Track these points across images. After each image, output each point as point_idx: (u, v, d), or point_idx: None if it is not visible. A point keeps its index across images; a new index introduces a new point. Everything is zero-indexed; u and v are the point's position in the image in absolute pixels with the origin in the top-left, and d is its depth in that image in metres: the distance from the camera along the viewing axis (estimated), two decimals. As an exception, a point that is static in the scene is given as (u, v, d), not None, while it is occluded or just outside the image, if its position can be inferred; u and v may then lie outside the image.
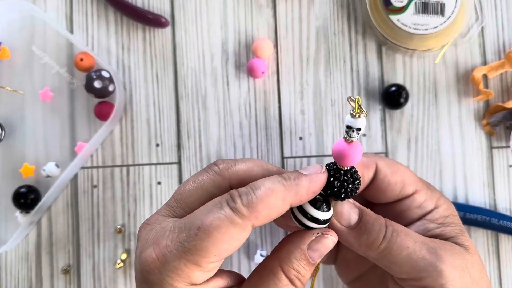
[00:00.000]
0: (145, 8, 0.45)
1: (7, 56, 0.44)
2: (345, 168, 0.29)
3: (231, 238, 0.26)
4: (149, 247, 0.26)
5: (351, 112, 0.27)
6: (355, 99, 0.26)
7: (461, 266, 0.29)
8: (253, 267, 0.43)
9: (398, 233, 0.30)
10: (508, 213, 0.44)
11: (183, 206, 0.28)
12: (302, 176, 0.27)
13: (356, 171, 0.29)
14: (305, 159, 0.44)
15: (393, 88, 0.43)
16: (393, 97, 0.43)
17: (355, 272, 0.37)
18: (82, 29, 0.45)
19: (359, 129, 0.27)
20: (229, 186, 0.29)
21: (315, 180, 0.28)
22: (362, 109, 0.27)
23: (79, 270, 0.44)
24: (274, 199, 0.26)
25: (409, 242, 0.29)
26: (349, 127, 0.27)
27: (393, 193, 0.33)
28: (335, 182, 0.28)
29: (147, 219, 0.29)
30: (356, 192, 0.29)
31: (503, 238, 0.44)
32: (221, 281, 0.28)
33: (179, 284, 0.25)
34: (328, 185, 0.29)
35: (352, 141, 0.28)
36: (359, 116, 0.27)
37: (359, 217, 0.30)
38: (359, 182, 0.29)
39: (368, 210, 0.31)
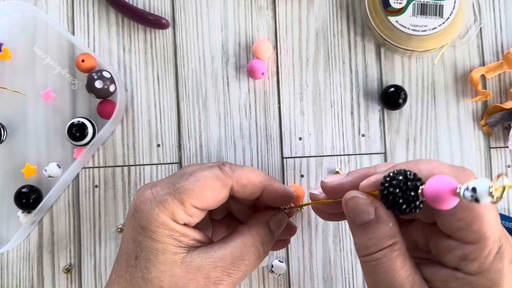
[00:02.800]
0: (146, 9, 0.45)
1: (9, 57, 0.45)
2: (422, 199, 0.26)
3: (213, 188, 0.32)
4: (146, 188, 0.32)
5: (491, 190, 0.23)
6: (505, 185, 0.23)
7: None
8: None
9: (389, 260, 0.28)
10: (506, 213, 0.44)
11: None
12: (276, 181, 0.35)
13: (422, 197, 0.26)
14: (304, 159, 0.44)
15: (392, 89, 0.43)
16: (392, 98, 0.43)
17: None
18: (84, 30, 0.45)
19: (474, 197, 0.24)
20: (230, 187, 0.33)
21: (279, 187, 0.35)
22: (502, 196, 0.24)
23: (81, 269, 0.44)
24: (255, 175, 0.34)
25: (389, 276, 0.28)
26: (474, 191, 0.24)
27: (449, 227, 0.28)
28: (401, 200, 0.26)
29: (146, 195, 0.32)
30: (415, 212, 0.27)
31: (501, 237, 0.44)
32: (196, 234, 0.32)
33: (163, 215, 0.30)
34: (394, 201, 0.27)
35: (460, 199, 0.25)
36: (493, 198, 0.23)
37: (369, 221, 0.29)
38: (421, 206, 0.27)
39: (382, 222, 0.28)
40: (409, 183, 0.26)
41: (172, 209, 0.31)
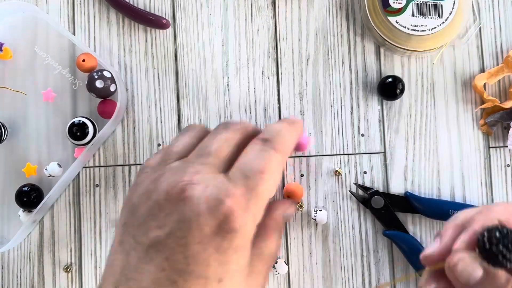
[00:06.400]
0: (146, 9, 0.45)
1: (10, 57, 0.45)
2: None
3: (280, 172, 0.30)
4: (226, 198, 0.28)
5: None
6: None
7: None
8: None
9: None
10: (505, 212, 0.44)
11: (224, 161, 0.31)
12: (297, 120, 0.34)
13: None
14: (304, 159, 0.45)
15: (390, 79, 0.43)
16: (389, 88, 0.43)
17: None
18: (84, 30, 0.46)
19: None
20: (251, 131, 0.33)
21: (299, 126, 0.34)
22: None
23: (81, 268, 0.44)
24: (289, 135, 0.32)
25: None
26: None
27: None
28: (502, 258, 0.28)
29: (187, 180, 0.29)
30: None
31: (501, 237, 0.44)
32: None
33: (255, 223, 0.29)
34: (496, 258, 0.28)
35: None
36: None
37: (482, 275, 0.29)
38: None
39: (494, 271, 0.29)
40: (505, 240, 0.28)
41: (260, 213, 0.29)
